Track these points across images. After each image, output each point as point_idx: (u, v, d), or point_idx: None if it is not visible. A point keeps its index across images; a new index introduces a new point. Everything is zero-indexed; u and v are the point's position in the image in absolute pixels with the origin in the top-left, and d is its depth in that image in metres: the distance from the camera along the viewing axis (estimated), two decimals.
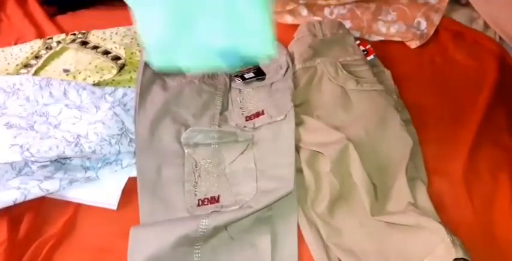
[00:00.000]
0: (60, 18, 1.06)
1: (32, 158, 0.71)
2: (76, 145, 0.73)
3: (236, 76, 0.89)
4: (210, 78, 0.89)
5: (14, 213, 0.74)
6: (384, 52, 0.91)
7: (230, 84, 0.89)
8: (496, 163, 0.79)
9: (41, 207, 0.75)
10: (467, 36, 0.97)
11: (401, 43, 0.96)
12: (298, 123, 0.81)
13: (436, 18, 0.97)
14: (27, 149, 0.71)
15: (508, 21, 0.95)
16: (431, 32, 0.97)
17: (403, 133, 0.78)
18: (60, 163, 0.76)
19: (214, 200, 0.76)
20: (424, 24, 0.97)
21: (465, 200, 0.75)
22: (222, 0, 0.54)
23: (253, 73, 0.88)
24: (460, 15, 1.01)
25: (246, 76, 0.88)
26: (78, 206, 0.76)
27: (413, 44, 0.96)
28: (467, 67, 0.92)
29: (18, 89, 0.82)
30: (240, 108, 0.85)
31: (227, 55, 0.56)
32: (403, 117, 0.80)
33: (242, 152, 0.79)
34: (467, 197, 0.75)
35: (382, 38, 0.96)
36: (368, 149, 0.77)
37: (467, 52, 0.95)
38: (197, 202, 0.75)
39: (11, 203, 0.72)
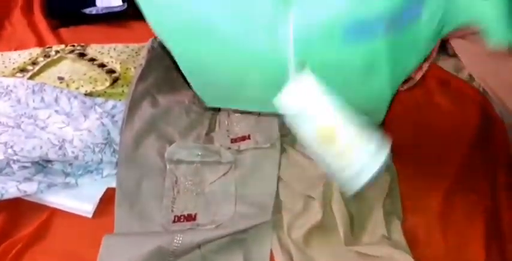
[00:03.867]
0: (62, 31, 1.08)
1: (15, 157, 0.71)
2: (60, 149, 0.74)
3: None
4: (200, 99, 0.91)
5: None
6: None
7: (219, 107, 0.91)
8: (471, 207, 0.79)
9: (16, 208, 0.75)
10: (452, 84, 1.00)
11: None
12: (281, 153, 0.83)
13: (425, 65, 1.01)
14: (11, 147, 0.71)
15: (490, 75, 0.99)
16: (419, 77, 1.00)
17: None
18: (41, 166, 0.76)
19: (190, 218, 0.76)
20: None
21: (439, 239, 0.75)
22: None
23: None
24: (447, 64, 1.05)
25: None
26: (54, 211, 0.76)
27: (400, 87, 0.99)
28: (451, 114, 0.95)
29: (11, 91, 0.83)
30: (227, 130, 0.86)
31: None
32: None
33: (224, 174, 0.80)
34: (440, 236, 0.75)
35: None
36: None
37: (452, 99, 0.97)
38: (173, 218, 0.75)
39: None
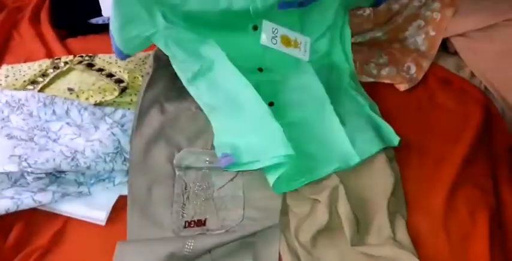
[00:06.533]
0: (70, 41, 1.11)
1: (29, 169, 0.74)
2: (72, 160, 0.76)
3: None
4: None
5: (4, 222, 0.76)
6: (374, 92, 0.94)
7: None
8: (474, 203, 0.81)
9: (32, 218, 0.78)
10: (454, 82, 1.02)
11: (391, 85, 1.01)
12: None
13: (426, 64, 1.03)
14: (25, 160, 0.74)
15: (492, 72, 1.01)
16: (420, 76, 1.02)
17: (387, 169, 0.81)
18: (55, 176, 0.79)
19: (200, 223, 0.78)
20: (413, 69, 1.02)
21: (442, 237, 0.77)
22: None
23: None
24: (448, 63, 1.06)
25: None
26: (68, 220, 0.79)
27: (402, 87, 1.00)
28: (452, 112, 0.96)
29: (23, 104, 0.86)
30: None
31: None
32: (387, 154, 0.83)
33: (231, 179, 0.82)
34: (444, 234, 0.77)
35: (372, 80, 1.01)
36: (353, 183, 0.80)
37: (453, 98, 0.99)
38: (184, 223, 0.78)
39: (3, 212, 0.74)
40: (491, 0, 1.04)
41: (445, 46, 1.08)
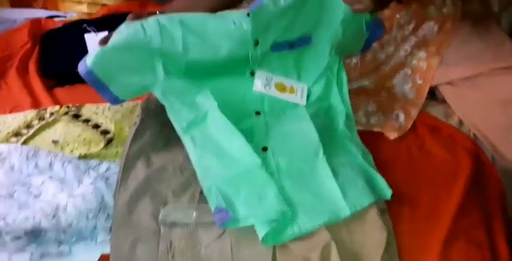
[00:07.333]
0: (57, 91, 1.10)
1: (7, 228, 0.72)
2: (53, 217, 0.74)
3: None
4: None
5: None
6: (363, 141, 0.93)
7: None
8: (469, 258, 0.79)
9: None
10: (443, 130, 1.02)
11: (381, 133, 1.01)
12: None
13: (414, 112, 1.03)
14: (4, 219, 0.72)
15: (480, 120, 1.01)
16: (409, 124, 1.02)
17: (379, 223, 0.79)
18: (34, 235, 0.76)
19: None
20: (402, 117, 1.02)
21: None
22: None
23: None
24: (436, 111, 1.06)
25: None
26: None
27: (392, 135, 1.00)
28: (442, 161, 0.95)
29: (5, 158, 0.85)
30: None
31: None
32: (378, 206, 0.82)
33: (219, 236, 0.79)
34: None
35: (361, 128, 1.00)
36: (345, 238, 0.78)
37: (443, 145, 0.98)
38: None
39: None
40: (476, 47, 1.05)
41: (433, 94, 1.08)
